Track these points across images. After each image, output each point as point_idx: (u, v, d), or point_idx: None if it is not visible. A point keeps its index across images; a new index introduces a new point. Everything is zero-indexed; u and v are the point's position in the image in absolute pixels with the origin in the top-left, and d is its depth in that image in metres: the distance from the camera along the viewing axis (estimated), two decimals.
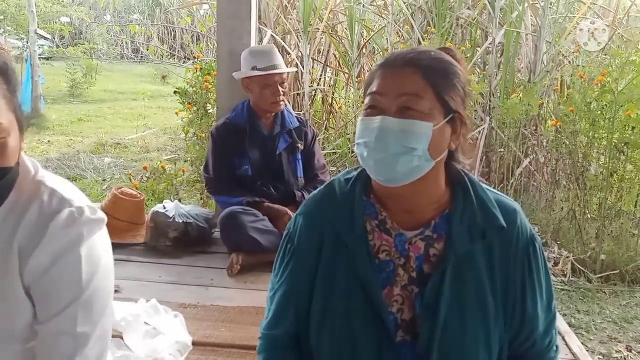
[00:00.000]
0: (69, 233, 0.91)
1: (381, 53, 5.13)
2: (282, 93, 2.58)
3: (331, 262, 0.96)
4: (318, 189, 1.05)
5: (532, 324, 0.97)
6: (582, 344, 2.07)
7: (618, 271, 3.03)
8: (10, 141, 0.87)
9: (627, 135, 3.17)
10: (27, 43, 7.62)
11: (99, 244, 0.95)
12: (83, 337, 0.91)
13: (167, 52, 11.44)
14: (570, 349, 1.93)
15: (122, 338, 1.71)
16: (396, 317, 0.94)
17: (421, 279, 0.94)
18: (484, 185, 1.00)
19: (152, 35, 11.57)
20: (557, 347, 1.03)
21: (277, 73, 2.57)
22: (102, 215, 0.97)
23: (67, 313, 0.90)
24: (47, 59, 10.68)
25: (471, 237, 0.93)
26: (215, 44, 3.18)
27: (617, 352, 2.42)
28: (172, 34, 11.87)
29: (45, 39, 11.51)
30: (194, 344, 1.80)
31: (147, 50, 11.25)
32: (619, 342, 2.51)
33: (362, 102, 0.97)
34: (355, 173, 1.02)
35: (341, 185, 1.01)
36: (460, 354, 0.91)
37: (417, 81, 0.90)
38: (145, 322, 1.81)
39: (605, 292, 2.95)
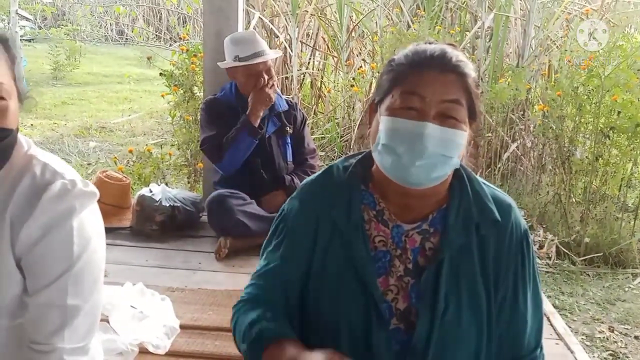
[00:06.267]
0: (61, 204, 0.91)
1: (370, 36, 5.08)
2: (269, 83, 2.45)
3: (326, 249, 0.96)
4: (315, 174, 1.04)
5: (521, 322, 0.96)
6: (566, 324, 2.11)
7: (601, 254, 3.08)
8: (12, 104, 0.87)
9: (613, 120, 3.19)
10: (8, 24, 7.41)
11: (91, 217, 0.95)
12: (73, 310, 0.91)
13: (152, 34, 11.20)
14: (554, 329, 1.96)
15: (108, 322, 1.69)
16: (390, 305, 0.94)
17: (416, 270, 0.95)
18: (480, 180, 1.00)
19: (137, 16, 11.31)
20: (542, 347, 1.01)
21: (261, 62, 2.46)
22: (94, 188, 0.97)
23: (57, 285, 0.90)
24: (29, 40, 10.42)
25: (466, 231, 0.94)
26: (202, 25, 3.12)
27: (599, 332, 2.47)
28: (158, 15, 11.62)
29: (27, 19, 11.22)
30: (181, 327, 1.79)
31: (132, 32, 11.02)
32: (602, 322, 2.56)
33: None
34: (353, 160, 1.01)
35: (339, 171, 1.00)
36: (455, 343, 0.92)
37: (458, 88, 0.90)
38: (131, 306, 1.80)
39: (588, 274, 3.00)
